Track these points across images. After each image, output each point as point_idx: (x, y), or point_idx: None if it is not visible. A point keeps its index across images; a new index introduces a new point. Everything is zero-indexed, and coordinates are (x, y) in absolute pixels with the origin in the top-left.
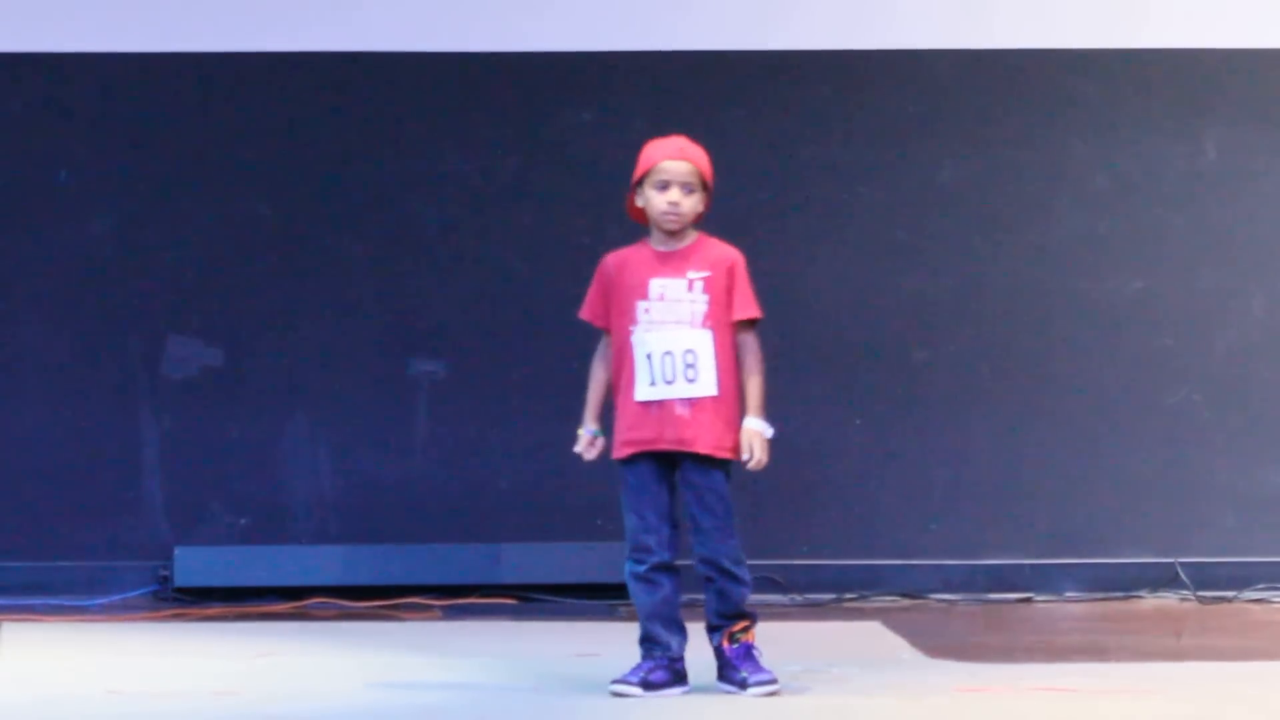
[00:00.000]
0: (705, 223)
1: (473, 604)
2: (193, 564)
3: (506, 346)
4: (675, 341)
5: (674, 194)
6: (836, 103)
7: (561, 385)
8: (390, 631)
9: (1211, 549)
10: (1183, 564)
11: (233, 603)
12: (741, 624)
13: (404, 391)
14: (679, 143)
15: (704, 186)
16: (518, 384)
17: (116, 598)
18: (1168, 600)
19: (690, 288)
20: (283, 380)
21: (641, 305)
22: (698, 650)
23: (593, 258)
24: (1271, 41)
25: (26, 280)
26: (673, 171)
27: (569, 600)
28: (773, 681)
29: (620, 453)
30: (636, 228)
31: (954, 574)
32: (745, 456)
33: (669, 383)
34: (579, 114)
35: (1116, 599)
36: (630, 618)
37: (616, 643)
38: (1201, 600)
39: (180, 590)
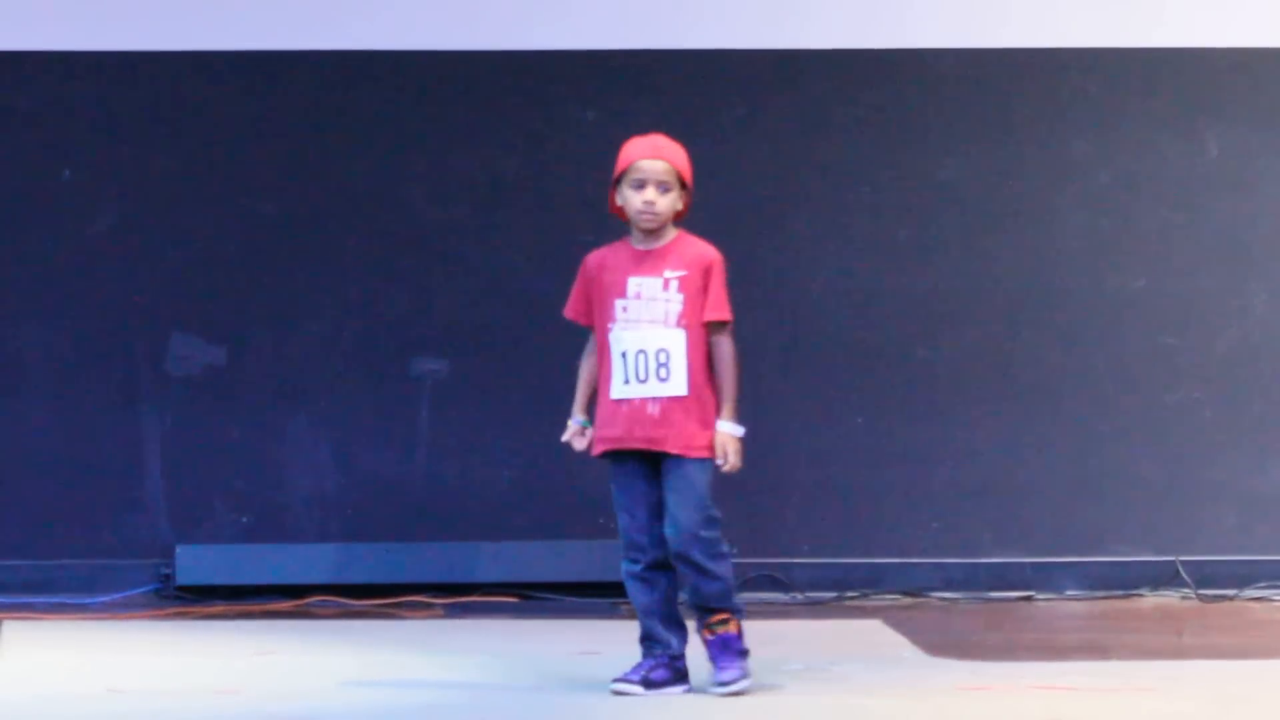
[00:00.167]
0: (706, 219)
1: (474, 602)
2: (194, 562)
3: (509, 345)
4: (649, 341)
5: (649, 193)
6: (840, 101)
7: (563, 384)
8: (391, 630)
9: (1212, 547)
10: (1184, 562)
11: (234, 601)
12: (719, 616)
13: (406, 390)
14: (655, 141)
15: (681, 184)
16: (520, 382)
17: (118, 596)
18: (1169, 599)
19: (666, 286)
20: (285, 378)
21: (619, 304)
22: (699, 649)
23: None
24: (1274, 41)
25: (29, 278)
26: (648, 170)
27: (570, 598)
28: (740, 679)
29: (595, 450)
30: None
31: (955, 572)
32: (719, 460)
33: (642, 381)
34: (583, 113)
35: (1117, 597)
36: (631, 616)
37: (617, 641)
38: (1202, 599)
39: (182, 588)
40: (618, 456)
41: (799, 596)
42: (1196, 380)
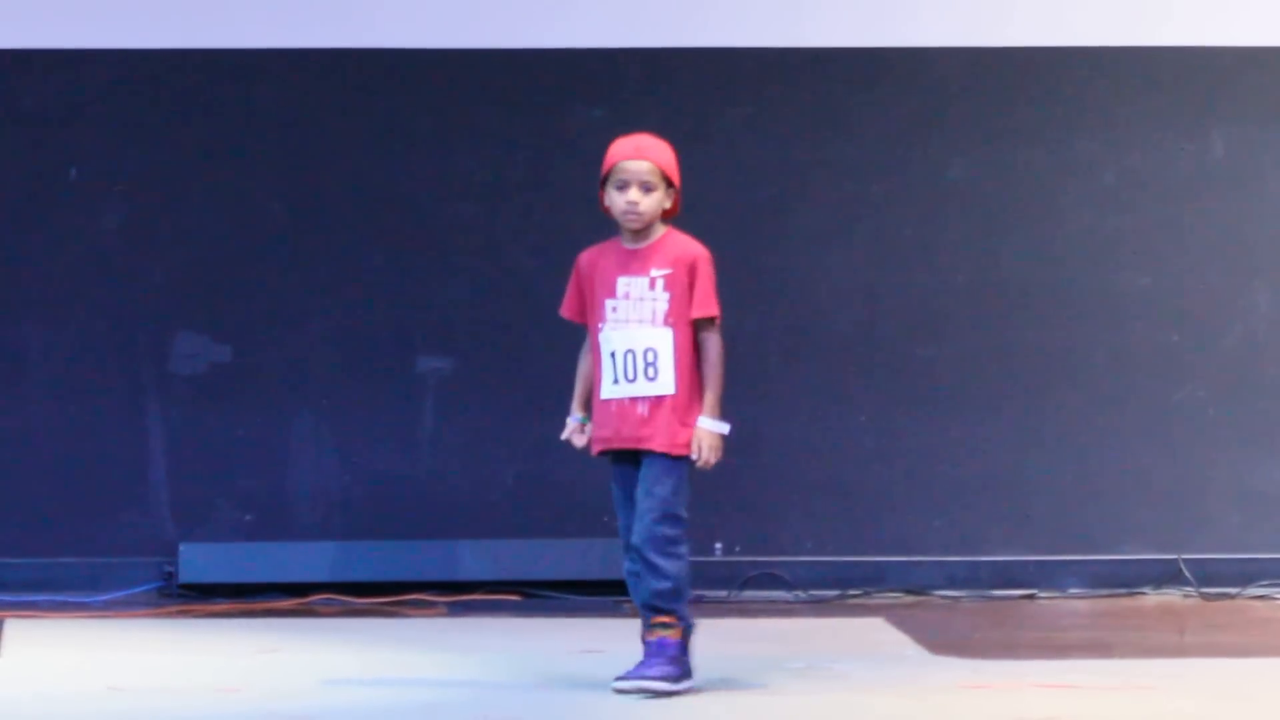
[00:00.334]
0: (711, 217)
1: (477, 600)
2: (198, 560)
3: (514, 343)
4: (637, 340)
5: (633, 194)
6: (845, 100)
7: (567, 383)
8: (394, 628)
9: (1215, 545)
10: (1186, 560)
11: (237, 599)
12: (663, 619)
13: (411, 388)
14: (638, 141)
15: (667, 183)
16: (524, 381)
17: (121, 594)
18: (1171, 597)
19: (652, 285)
20: (290, 376)
21: (609, 304)
22: (700, 648)
23: None
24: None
25: (35, 275)
26: (631, 171)
27: (573, 597)
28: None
29: (593, 450)
30: None
31: (958, 570)
32: (694, 455)
33: (630, 381)
34: (590, 111)
35: (1120, 595)
36: (634, 614)
37: (620, 639)
38: (1205, 597)
39: (185, 586)
40: (615, 456)
41: (801, 594)
42: (1200, 378)
